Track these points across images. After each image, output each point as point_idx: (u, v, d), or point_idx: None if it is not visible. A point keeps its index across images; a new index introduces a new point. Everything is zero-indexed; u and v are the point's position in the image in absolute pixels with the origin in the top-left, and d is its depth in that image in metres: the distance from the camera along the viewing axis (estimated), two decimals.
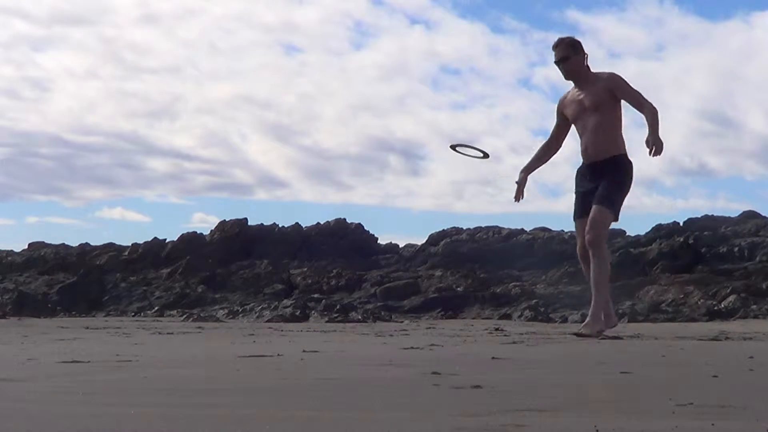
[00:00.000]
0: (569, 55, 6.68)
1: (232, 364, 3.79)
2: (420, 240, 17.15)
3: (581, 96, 6.68)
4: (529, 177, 6.86)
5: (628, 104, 6.58)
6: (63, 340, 5.89)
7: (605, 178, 6.48)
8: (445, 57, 32.53)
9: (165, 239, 17.08)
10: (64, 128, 31.64)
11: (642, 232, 15.33)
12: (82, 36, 31.75)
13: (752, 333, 7.31)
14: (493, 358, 4.16)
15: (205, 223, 46.68)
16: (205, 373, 3.47)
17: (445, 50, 32.19)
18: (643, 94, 6.59)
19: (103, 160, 29.87)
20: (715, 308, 10.95)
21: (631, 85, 6.63)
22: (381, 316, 11.34)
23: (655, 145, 6.22)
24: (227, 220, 17.38)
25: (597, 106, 6.57)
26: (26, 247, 18.03)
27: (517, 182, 6.77)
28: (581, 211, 6.63)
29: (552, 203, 28.78)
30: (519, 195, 6.79)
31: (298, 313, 11.14)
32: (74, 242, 17.73)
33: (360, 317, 11.00)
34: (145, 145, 30.98)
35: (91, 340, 5.98)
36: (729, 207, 32.64)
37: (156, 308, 13.33)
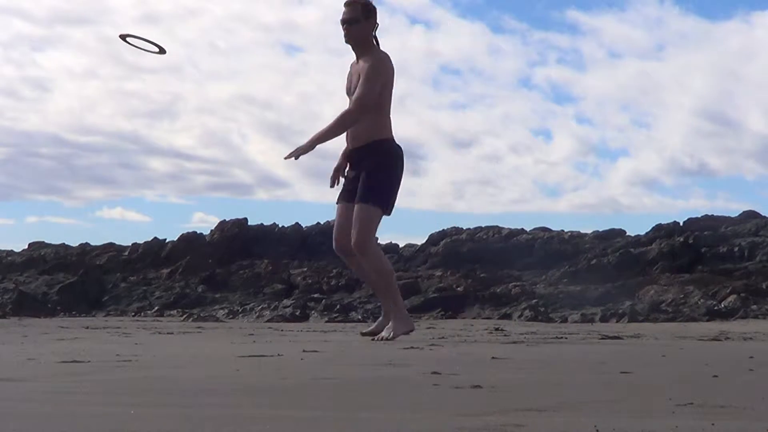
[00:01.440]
0: (359, 18, 5.98)
1: (232, 364, 3.78)
2: (420, 240, 17.15)
3: (351, 72, 6.11)
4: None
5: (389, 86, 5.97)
6: (63, 340, 5.89)
7: (364, 168, 5.94)
8: (445, 57, 32.50)
9: (165, 239, 17.08)
10: (64, 128, 31.60)
11: (642, 232, 15.34)
12: (82, 36, 31.71)
13: (752, 333, 7.31)
14: (493, 358, 4.16)
15: (205, 223, 46.63)
16: (205, 373, 3.47)
17: (445, 50, 32.16)
18: (366, 96, 5.86)
19: (103, 160, 29.84)
20: (715, 308, 10.95)
21: (376, 79, 5.88)
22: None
23: (298, 149, 5.69)
24: (227, 220, 17.38)
25: (352, 94, 5.99)
26: (26, 247, 18.03)
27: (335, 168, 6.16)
28: (343, 195, 6.11)
29: (552, 203, 28.77)
30: (335, 180, 6.16)
31: (298, 313, 11.14)
32: (74, 242, 17.72)
33: (360, 317, 10.99)
34: (145, 145, 30.95)
35: (91, 340, 5.98)
36: (729, 207, 32.62)
37: (156, 308, 13.32)
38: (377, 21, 6.04)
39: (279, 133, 30.19)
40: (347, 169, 6.12)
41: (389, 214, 6.02)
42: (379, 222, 5.99)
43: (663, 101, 30.56)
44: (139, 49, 6.40)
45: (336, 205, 6.17)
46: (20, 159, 29.84)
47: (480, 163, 30.60)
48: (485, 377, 3.16)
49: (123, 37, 6.35)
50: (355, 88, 5.93)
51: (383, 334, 5.91)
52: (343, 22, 5.99)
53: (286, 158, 5.77)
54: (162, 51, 6.49)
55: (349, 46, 6.07)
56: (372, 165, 5.92)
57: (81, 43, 30.91)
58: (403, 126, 31.94)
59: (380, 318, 6.33)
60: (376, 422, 2.11)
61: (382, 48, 6.03)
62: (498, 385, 2.92)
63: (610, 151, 31.10)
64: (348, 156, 6.09)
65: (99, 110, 30.64)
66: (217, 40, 31.30)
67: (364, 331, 6.43)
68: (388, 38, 31.56)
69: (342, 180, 6.13)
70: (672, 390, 2.77)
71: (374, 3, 6.04)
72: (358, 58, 6.05)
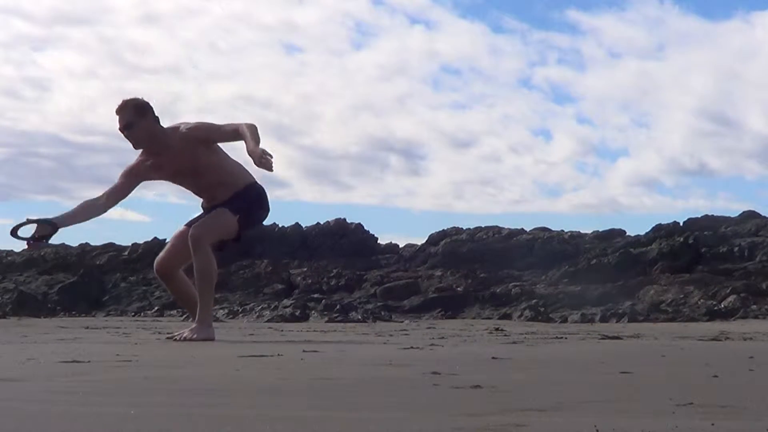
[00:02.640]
0: (135, 121, 5.81)
1: (232, 364, 3.78)
2: (420, 240, 17.18)
3: (167, 162, 5.88)
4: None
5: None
6: (63, 340, 5.89)
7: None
8: (445, 57, 32.57)
9: (165, 239, 17.04)
10: (64, 128, 31.69)
11: (642, 232, 15.36)
12: (82, 36, 31.79)
13: (752, 333, 7.31)
14: (493, 358, 4.16)
15: None
16: (205, 373, 3.47)
17: (445, 50, 32.22)
18: (228, 122, 5.87)
19: (103, 160, 29.87)
20: (715, 308, 10.95)
21: (210, 122, 5.93)
22: (381, 316, 11.34)
23: (254, 153, 5.56)
24: None
25: (194, 170, 5.87)
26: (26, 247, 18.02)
27: (32, 222, 5.86)
28: (191, 221, 6.04)
29: (552, 203, 28.79)
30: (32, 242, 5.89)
31: (298, 313, 11.15)
32: (74, 242, 17.71)
33: (360, 317, 11.00)
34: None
35: (91, 340, 5.98)
36: (729, 207, 32.70)
37: (156, 308, 13.33)
38: (154, 112, 5.88)
39: (279, 133, 30.20)
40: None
41: (239, 239, 6.03)
42: (227, 233, 5.89)
43: (663, 101, 30.60)
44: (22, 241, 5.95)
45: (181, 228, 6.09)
46: (20, 159, 29.87)
47: (480, 163, 30.64)
48: (485, 377, 3.16)
49: (15, 229, 5.93)
50: (180, 178, 5.96)
51: (185, 333, 5.72)
52: (122, 130, 5.84)
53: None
54: (52, 227, 5.96)
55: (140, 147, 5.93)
56: (245, 196, 5.91)
57: (81, 43, 30.97)
58: (403, 126, 31.96)
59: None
60: (376, 422, 2.11)
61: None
62: (498, 385, 2.92)
63: (610, 151, 31.17)
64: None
65: (99, 110, 30.66)
66: (217, 40, 31.37)
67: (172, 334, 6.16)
68: (389, 38, 31.60)
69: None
70: (672, 390, 2.77)
71: (146, 99, 5.89)
72: (161, 151, 5.86)
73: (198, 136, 5.82)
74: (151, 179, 6.09)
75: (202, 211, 6.12)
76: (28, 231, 5.89)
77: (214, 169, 5.89)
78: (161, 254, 6.10)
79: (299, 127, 32.18)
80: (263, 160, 5.52)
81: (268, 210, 6.09)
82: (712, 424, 2.07)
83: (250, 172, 6.01)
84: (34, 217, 5.94)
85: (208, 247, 5.76)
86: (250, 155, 5.57)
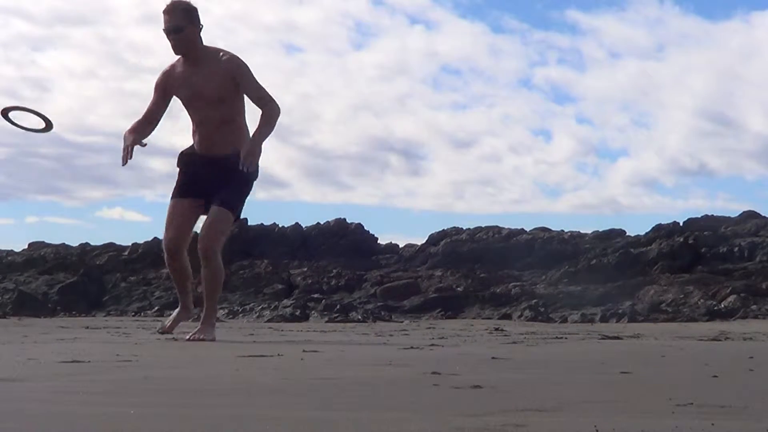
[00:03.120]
0: (184, 25, 5.67)
1: (232, 364, 3.78)
2: (420, 240, 17.18)
3: (196, 79, 5.71)
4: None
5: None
6: (63, 340, 5.89)
7: (228, 174, 5.64)
8: (445, 57, 32.54)
9: None
10: (64, 128, 31.60)
11: (642, 232, 15.36)
12: (82, 36, 31.78)
13: (752, 333, 7.31)
14: (493, 358, 4.16)
15: None
16: (205, 373, 3.47)
17: (445, 50, 32.21)
18: (267, 90, 5.71)
19: (103, 160, 29.86)
20: (715, 308, 10.95)
21: (253, 74, 5.73)
22: (381, 316, 11.34)
23: (249, 155, 5.48)
24: None
25: (220, 98, 5.68)
26: (26, 247, 18.03)
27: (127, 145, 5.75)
28: (184, 191, 5.84)
29: (552, 203, 28.79)
30: (126, 157, 5.74)
31: (298, 313, 11.15)
32: (74, 242, 17.73)
33: (360, 317, 11.00)
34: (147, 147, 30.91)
35: (91, 340, 5.98)
36: (729, 207, 32.69)
37: (156, 308, 13.33)
38: (201, 22, 5.79)
39: (279, 133, 30.17)
40: (188, 162, 5.84)
41: (238, 221, 6.04)
42: (229, 231, 5.94)
43: (663, 101, 30.60)
44: (19, 128, 5.81)
45: (172, 200, 5.88)
46: (20, 159, 29.85)
47: (480, 163, 30.65)
48: (485, 377, 3.16)
49: (6, 111, 5.73)
50: (195, 102, 5.73)
51: (203, 336, 5.65)
52: (168, 32, 5.69)
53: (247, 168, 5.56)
54: (47, 128, 5.85)
55: (182, 53, 5.79)
56: (240, 177, 5.63)
57: (81, 43, 30.96)
58: (403, 126, 31.96)
59: (177, 309, 6.19)
60: (376, 422, 2.11)
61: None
62: (498, 385, 2.92)
63: (610, 151, 31.17)
64: (198, 158, 5.82)
65: (99, 110, 30.68)
66: (217, 40, 31.27)
67: (162, 329, 6.22)
68: (389, 38, 31.61)
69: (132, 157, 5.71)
70: (672, 390, 2.77)
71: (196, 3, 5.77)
72: (194, 66, 5.72)
73: (234, 70, 5.66)
74: (172, 94, 5.84)
75: (191, 154, 5.85)
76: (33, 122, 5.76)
77: (231, 111, 5.70)
78: (173, 232, 5.82)
79: (299, 127, 32.17)
80: (248, 166, 5.48)
81: (255, 178, 5.85)
82: (712, 424, 2.07)
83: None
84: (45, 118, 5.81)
85: (219, 256, 5.74)
86: (247, 147, 5.50)
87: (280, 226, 17.50)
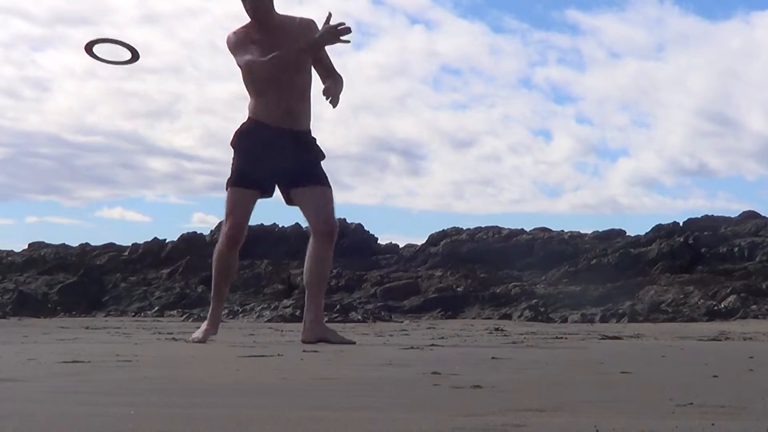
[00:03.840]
0: None
1: (232, 364, 3.78)
2: (420, 240, 17.19)
3: (274, 43, 5.29)
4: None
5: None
6: (63, 340, 5.89)
7: (313, 155, 5.39)
8: (445, 57, 32.55)
9: (165, 239, 17.09)
10: (64, 128, 31.68)
11: (642, 232, 15.38)
12: (83, 36, 31.78)
13: (752, 333, 7.32)
14: (493, 358, 4.16)
15: (205, 223, 46.63)
16: (205, 373, 3.47)
17: (445, 50, 32.21)
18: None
19: (103, 160, 29.89)
20: (715, 308, 10.96)
21: None
22: (381, 316, 11.34)
23: (336, 91, 5.26)
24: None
25: (303, 64, 5.32)
26: (26, 247, 18.04)
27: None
28: (248, 180, 5.37)
29: (552, 203, 28.80)
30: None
31: (298, 313, 11.14)
32: (74, 242, 17.75)
33: (360, 317, 11.00)
34: (146, 145, 30.99)
35: (91, 340, 5.98)
36: (729, 207, 32.71)
37: (156, 308, 13.33)
38: None
39: None
40: (262, 146, 5.33)
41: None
42: None
43: (663, 101, 30.60)
44: (105, 62, 5.67)
45: (235, 189, 5.39)
46: (20, 159, 29.87)
47: (480, 163, 30.66)
48: (485, 377, 3.16)
49: (90, 45, 5.58)
50: (299, 58, 5.29)
51: (329, 336, 5.37)
52: None
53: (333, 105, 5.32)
54: (134, 58, 5.68)
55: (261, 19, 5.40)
56: (317, 154, 5.43)
57: (81, 43, 30.84)
58: (403, 126, 31.98)
59: (205, 325, 5.72)
60: (376, 422, 2.11)
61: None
62: (498, 385, 2.92)
63: (610, 151, 31.17)
64: (270, 133, 5.34)
65: (99, 110, 30.68)
66: (217, 40, 31.33)
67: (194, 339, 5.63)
68: (389, 38, 31.62)
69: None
70: (672, 390, 2.77)
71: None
72: (267, 29, 5.34)
73: (315, 32, 5.30)
74: (244, 54, 5.38)
75: (259, 128, 5.37)
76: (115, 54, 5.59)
77: (308, 81, 5.39)
78: (239, 220, 5.43)
79: None
80: (333, 95, 5.25)
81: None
82: (712, 424, 2.07)
83: None
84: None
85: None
86: (332, 85, 5.27)
87: (280, 226, 17.51)
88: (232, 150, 5.49)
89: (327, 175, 5.44)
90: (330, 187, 5.41)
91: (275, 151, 5.32)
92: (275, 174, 5.40)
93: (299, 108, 5.37)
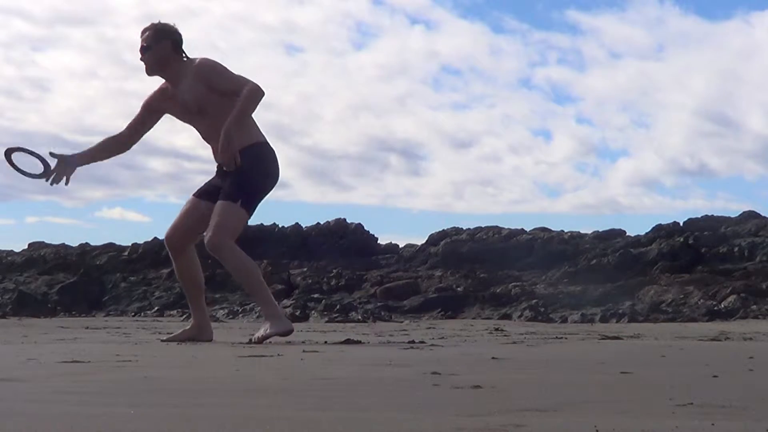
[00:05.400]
0: (149, 45, 5.56)
1: (232, 364, 3.79)
2: (420, 240, 17.17)
3: (180, 96, 5.60)
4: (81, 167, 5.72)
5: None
6: (63, 340, 5.89)
7: (234, 171, 5.50)
8: (445, 57, 32.52)
9: None
10: (64, 128, 31.61)
11: (642, 232, 15.36)
12: (82, 36, 31.76)
13: (752, 333, 7.31)
14: (493, 358, 4.16)
15: None
16: (205, 373, 3.47)
17: (445, 50, 32.19)
18: (242, 77, 5.50)
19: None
20: (715, 308, 10.95)
21: (222, 69, 5.54)
22: (381, 316, 11.34)
23: (222, 151, 5.37)
24: None
25: (200, 109, 5.55)
26: (26, 247, 18.03)
27: (59, 159, 5.64)
28: (201, 192, 5.76)
29: (552, 203, 28.80)
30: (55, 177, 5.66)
31: (298, 313, 11.14)
32: (74, 242, 17.72)
33: (360, 317, 11.00)
34: (145, 145, 30.96)
35: (91, 340, 5.98)
36: (729, 207, 32.67)
37: (156, 308, 13.33)
38: (179, 36, 5.63)
39: (279, 133, 30.16)
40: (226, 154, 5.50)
41: (251, 216, 5.71)
42: (241, 225, 5.64)
43: (663, 101, 30.59)
44: (19, 172, 5.78)
45: (190, 197, 5.81)
46: (20, 159, 29.83)
47: (480, 163, 30.65)
48: (485, 377, 3.16)
49: (9, 152, 5.76)
50: (189, 117, 5.62)
51: (271, 330, 5.45)
52: (141, 52, 5.61)
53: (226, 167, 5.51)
54: (46, 173, 5.68)
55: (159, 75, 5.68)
56: (245, 164, 5.47)
57: (81, 43, 30.93)
58: (403, 126, 31.97)
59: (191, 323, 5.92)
60: (376, 422, 2.11)
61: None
62: (498, 385, 2.92)
63: (610, 151, 31.16)
64: (217, 168, 5.73)
65: (99, 110, 30.65)
66: (217, 40, 31.29)
67: (165, 338, 5.91)
68: (389, 38, 31.61)
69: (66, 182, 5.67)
70: (672, 390, 2.77)
71: (171, 23, 5.67)
72: (173, 83, 5.62)
73: (204, 76, 5.50)
74: (166, 112, 5.76)
75: (215, 165, 5.69)
76: (33, 167, 5.73)
77: (221, 114, 5.45)
78: (172, 225, 5.78)
79: (299, 127, 32.16)
80: (226, 158, 5.39)
81: (276, 176, 5.69)
82: (712, 424, 2.07)
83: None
84: (39, 154, 5.74)
85: (231, 246, 5.53)
86: (222, 134, 5.33)
87: (280, 226, 17.50)
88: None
89: (238, 183, 5.50)
90: (229, 200, 5.50)
91: (219, 184, 5.66)
92: (214, 189, 5.68)
93: (215, 146, 5.55)
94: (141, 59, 5.62)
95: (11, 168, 5.74)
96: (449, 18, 32.89)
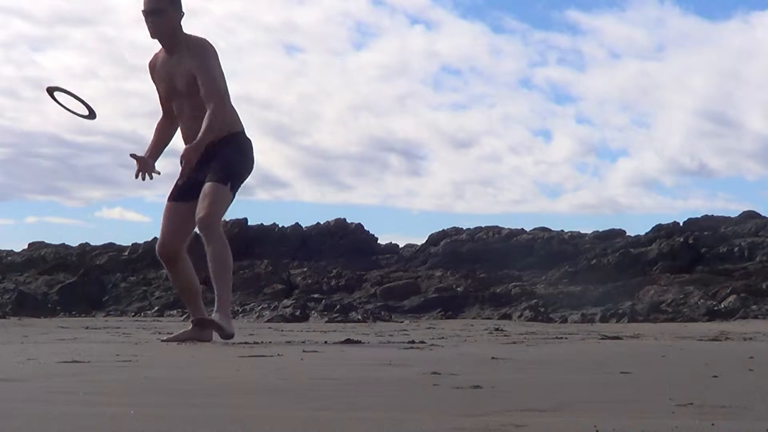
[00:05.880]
0: (164, 8, 5.37)
1: (232, 364, 3.78)
2: (420, 240, 17.18)
3: (170, 71, 5.47)
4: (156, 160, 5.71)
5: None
6: (63, 340, 5.89)
7: (212, 160, 5.38)
8: (445, 57, 32.55)
9: None
10: (64, 128, 31.61)
11: (642, 232, 15.37)
12: (82, 36, 31.80)
13: (752, 333, 7.31)
14: (493, 358, 4.16)
15: None
16: (205, 373, 3.47)
17: (445, 50, 32.22)
18: (219, 83, 5.37)
19: (103, 160, 29.89)
20: (715, 308, 10.95)
21: (214, 64, 5.39)
22: (381, 316, 11.34)
23: (186, 157, 5.34)
24: (227, 220, 17.39)
25: (189, 88, 5.40)
26: (26, 247, 18.03)
27: (138, 158, 5.63)
28: (178, 194, 5.60)
29: (552, 203, 28.80)
30: (140, 173, 5.64)
31: (298, 313, 11.15)
32: (74, 242, 17.74)
33: (360, 317, 11.00)
34: (146, 145, 30.94)
35: (91, 340, 5.98)
36: (729, 207, 32.72)
37: (156, 308, 13.33)
38: (183, 10, 5.47)
39: (279, 133, 30.22)
40: (184, 167, 5.48)
41: (232, 200, 5.55)
42: (227, 206, 5.50)
43: (663, 101, 30.61)
44: (65, 109, 5.69)
45: (166, 204, 5.69)
46: (20, 159, 29.87)
47: (480, 163, 30.65)
48: (485, 377, 3.16)
49: (51, 90, 5.65)
50: (172, 94, 5.52)
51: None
52: (147, 13, 5.39)
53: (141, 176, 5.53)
54: (91, 115, 5.71)
55: (161, 41, 5.51)
56: (227, 153, 5.41)
57: (81, 43, 30.97)
58: (403, 126, 31.97)
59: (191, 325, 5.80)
60: (376, 422, 2.11)
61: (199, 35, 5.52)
62: (498, 385, 2.92)
63: (610, 151, 31.18)
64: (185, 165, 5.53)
65: (99, 110, 30.60)
66: (217, 40, 31.27)
67: (165, 338, 5.83)
68: (389, 38, 31.62)
69: (150, 175, 5.63)
70: (672, 390, 2.77)
71: None
72: (169, 51, 5.47)
73: (198, 55, 5.37)
74: (155, 83, 5.63)
75: (183, 146, 5.52)
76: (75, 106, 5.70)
77: (197, 100, 5.38)
78: (162, 236, 5.66)
79: (299, 127, 32.19)
80: (185, 172, 5.40)
81: (252, 165, 5.67)
82: (712, 424, 2.07)
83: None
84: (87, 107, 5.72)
85: (220, 231, 5.45)
86: (192, 150, 5.30)
87: (280, 226, 17.51)
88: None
89: (222, 168, 5.40)
90: (216, 181, 5.37)
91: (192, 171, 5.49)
92: (192, 186, 5.49)
93: (193, 126, 5.43)
94: (147, 21, 5.40)
95: (57, 105, 5.65)
96: (449, 18, 32.92)
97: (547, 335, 6.80)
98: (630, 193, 30.71)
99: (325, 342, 5.61)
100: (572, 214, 27.64)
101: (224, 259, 5.43)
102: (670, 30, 30.80)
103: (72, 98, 5.68)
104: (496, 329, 8.00)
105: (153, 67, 5.62)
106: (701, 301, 11.32)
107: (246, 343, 5.57)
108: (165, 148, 5.83)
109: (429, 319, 11.57)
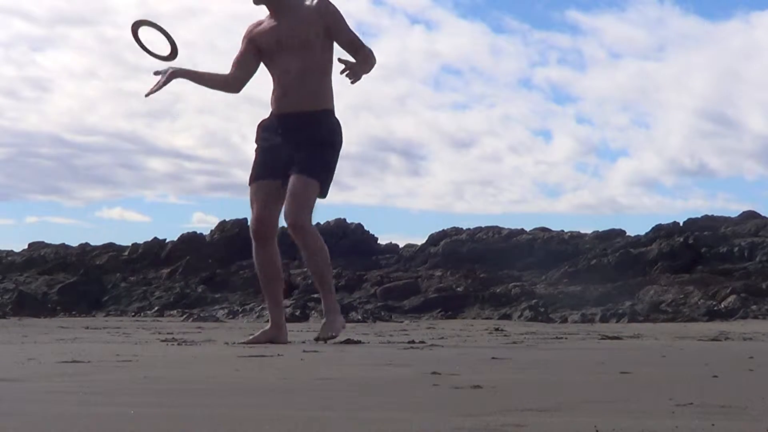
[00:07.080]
0: None
1: (232, 364, 3.78)
2: (420, 240, 17.19)
3: (281, 27, 5.19)
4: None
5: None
6: (63, 340, 5.89)
7: (306, 138, 5.12)
8: (445, 57, 32.56)
9: (165, 239, 17.09)
10: (64, 128, 31.70)
11: (642, 232, 15.38)
12: (82, 36, 31.80)
13: (752, 333, 7.32)
14: (493, 358, 4.16)
15: (205, 223, 46.68)
16: (205, 373, 3.47)
17: (445, 50, 32.23)
18: (358, 36, 5.26)
19: (103, 160, 29.91)
20: (715, 308, 10.95)
21: (346, 21, 5.26)
22: (381, 316, 11.34)
23: (358, 68, 5.09)
24: (227, 220, 17.39)
25: (305, 44, 5.14)
26: (26, 247, 18.04)
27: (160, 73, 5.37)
28: (263, 172, 5.27)
29: (552, 203, 28.81)
30: (155, 89, 5.41)
31: (298, 313, 11.15)
32: (74, 242, 17.75)
33: (360, 317, 11.00)
34: (145, 145, 31.01)
35: (91, 340, 5.98)
36: (729, 207, 32.72)
37: (156, 308, 13.33)
38: None
39: None
40: (267, 135, 5.23)
41: (325, 197, 5.27)
42: (315, 200, 5.21)
43: (663, 101, 30.61)
44: (144, 50, 5.50)
45: (251, 185, 5.34)
46: (20, 159, 29.88)
47: (480, 163, 30.66)
48: (485, 377, 3.16)
49: (137, 26, 5.44)
50: (278, 51, 5.18)
51: (332, 332, 5.26)
52: None
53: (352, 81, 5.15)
54: (172, 54, 5.48)
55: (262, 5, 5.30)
56: (319, 137, 5.15)
57: (81, 43, 30.97)
58: (403, 126, 31.96)
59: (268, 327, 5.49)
60: (376, 422, 2.11)
61: None
62: (498, 385, 2.92)
63: (610, 151, 31.19)
64: (275, 121, 5.26)
65: (99, 110, 30.67)
66: (217, 40, 31.31)
67: (244, 340, 5.54)
68: (389, 38, 31.59)
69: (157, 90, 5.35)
70: (672, 390, 2.77)
71: None
72: (278, 13, 5.21)
73: (325, 12, 5.16)
74: (258, 45, 5.28)
75: (268, 120, 5.28)
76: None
77: (316, 62, 5.18)
78: (257, 213, 5.31)
79: None
80: (353, 78, 5.06)
81: (340, 148, 5.30)
82: (712, 424, 2.07)
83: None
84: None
85: (313, 227, 5.24)
86: (349, 67, 5.06)
87: (280, 226, 17.49)
88: None
89: (320, 158, 5.17)
90: (309, 176, 5.12)
91: (277, 137, 5.22)
92: (280, 160, 5.22)
93: (296, 90, 5.17)
94: None
95: (137, 45, 5.47)
96: (449, 18, 32.93)
97: (547, 335, 6.80)
98: (630, 193, 30.73)
99: (325, 342, 5.61)
100: (572, 214, 27.65)
101: (325, 254, 5.22)
102: (670, 30, 30.81)
103: (159, 33, 5.47)
104: (496, 329, 8.00)
105: (253, 28, 5.32)
106: (701, 301, 11.32)
107: (246, 343, 5.56)
108: (201, 83, 5.50)
109: (429, 319, 11.57)
